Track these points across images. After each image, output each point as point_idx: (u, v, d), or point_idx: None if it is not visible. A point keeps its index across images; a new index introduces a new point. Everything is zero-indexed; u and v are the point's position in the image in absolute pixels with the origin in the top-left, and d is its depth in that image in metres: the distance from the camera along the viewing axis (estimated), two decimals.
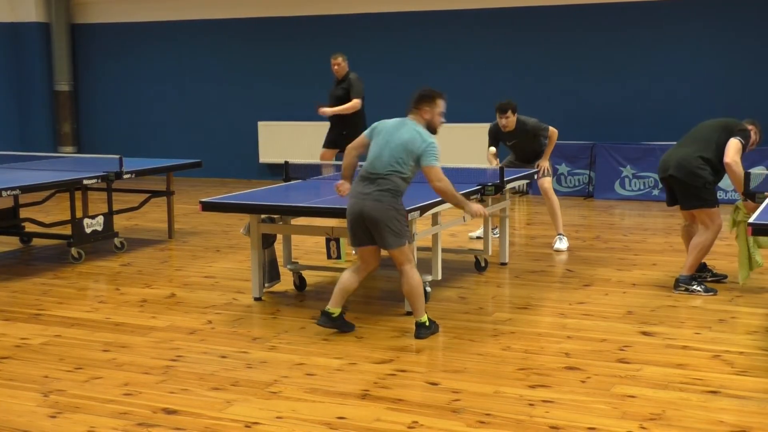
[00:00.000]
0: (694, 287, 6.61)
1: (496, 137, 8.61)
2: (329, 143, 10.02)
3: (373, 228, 5.55)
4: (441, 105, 5.83)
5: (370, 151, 5.72)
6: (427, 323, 5.70)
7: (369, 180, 5.59)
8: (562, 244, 8.42)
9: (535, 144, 8.52)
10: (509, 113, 8.30)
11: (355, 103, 9.75)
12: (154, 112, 15.03)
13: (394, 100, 13.36)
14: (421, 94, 5.84)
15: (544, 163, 8.44)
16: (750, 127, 6.76)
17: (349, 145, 5.98)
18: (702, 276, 6.89)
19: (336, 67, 9.96)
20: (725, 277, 7.01)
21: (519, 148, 8.58)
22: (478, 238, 8.69)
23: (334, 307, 5.72)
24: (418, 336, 5.65)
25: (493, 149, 8.61)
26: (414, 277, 5.64)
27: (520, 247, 8.70)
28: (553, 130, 8.46)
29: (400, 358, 5.30)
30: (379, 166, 5.59)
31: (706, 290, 6.61)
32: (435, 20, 13.09)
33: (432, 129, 5.78)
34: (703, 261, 6.95)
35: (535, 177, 8.32)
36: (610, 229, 9.73)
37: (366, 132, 5.88)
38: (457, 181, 7.15)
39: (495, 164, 8.49)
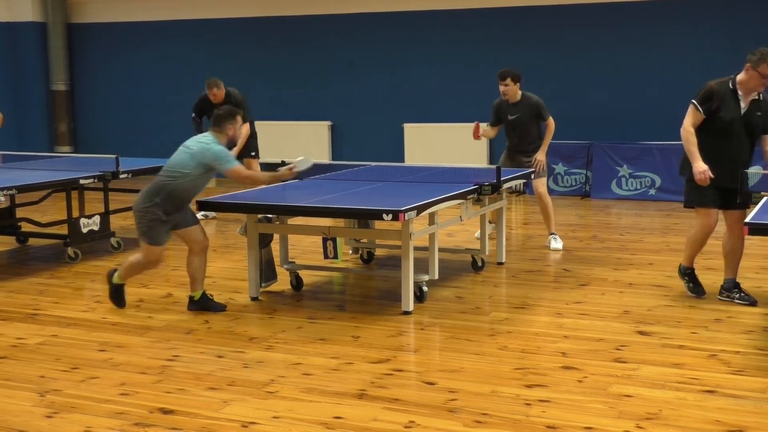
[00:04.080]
0: (686, 280, 6.52)
1: (498, 112, 8.50)
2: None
3: None
4: (240, 121, 6.41)
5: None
6: (116, 283, 6.49)
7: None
8: (558, 243, 8.42)
9: (533, 125, 8.40)
10: (508, 80, 8.24)
11: (246, 127, 9.70)
12: (151, 111, 15.01)
13: (393, 99, 13.48)
14: (223, 114, 6.34)
15: (542, 157, 8.38)
16: (743, 71, 6.13)
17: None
18: (731, 296, 6.38)
19: (212, 97, 9.80)
20: (755, 303, 6.29)
21: (518, 125, 8.39)
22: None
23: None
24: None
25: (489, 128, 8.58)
26: (132, 258, 6.51)
27: (517, 246, 8.70)
28: (552, 120, 8.40)
29: (397, 357, 5.30)
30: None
31: (692, 290, 6.50)
32: (434, 20, 13.09)
33: (233, 144, 6.52)
34: (736, 279, 6.41)
35: (532, 177, 8.28)
36: (607, 229, 9.74)
37: None
38: (453, 181, 7.19)
39: (487, 135, 8.50)
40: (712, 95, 6.14)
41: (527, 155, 8.44)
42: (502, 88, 8.32)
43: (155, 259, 6.39)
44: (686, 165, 6.33)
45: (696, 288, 6.55)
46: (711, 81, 6.24)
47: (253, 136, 10.15)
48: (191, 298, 6.43)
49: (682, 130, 6.23)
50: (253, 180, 6.62)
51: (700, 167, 6.13)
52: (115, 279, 6.51)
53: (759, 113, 6.24)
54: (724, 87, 6.17)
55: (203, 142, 6.23)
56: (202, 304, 6.38)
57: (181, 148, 6.33)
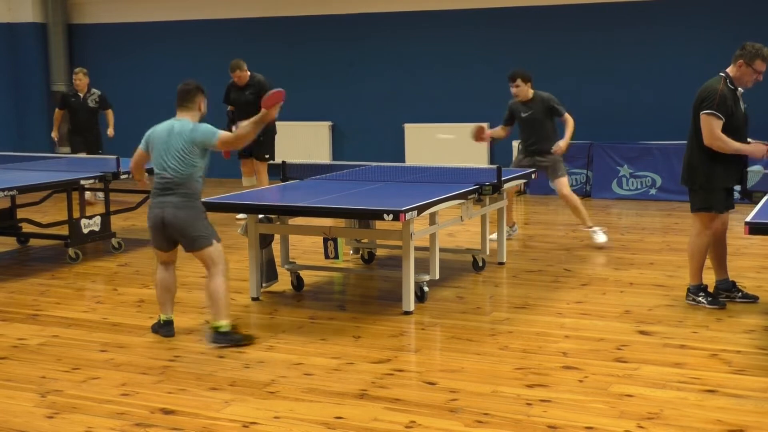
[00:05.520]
0: (700, 299, 6.29)
1: (512, 111, 8.62)
2: (245, 153, 9.92)
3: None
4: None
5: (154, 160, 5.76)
6: (224, 330, 5.48)
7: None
8: (601, 236, 8.43)
9: (547, 121, 8.47)
10: (518, 81, 8.37)
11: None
12: (151, 112, 14.81)
13: (393, 99, 13.47)
14: (190, 88, 6.05)
15: (564, 144, 8.38)
16: (734, 67, 6.04)
17: (135, 163, 6.03)
18: (731, 296, 6.37)
19: (237, 79, 9.75)
20: (757, 298, 6.39)
21: (532, 123, 8.48)
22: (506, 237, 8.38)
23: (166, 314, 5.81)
24: (213, 341, 5.48)
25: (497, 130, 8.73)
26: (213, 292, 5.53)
27: (518, 246, 8.70)
28: (570, 117, 8.45)
29: (398, 357, 5.30)
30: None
31: (712, 303, 6.24)
32: (434, 20, 13.09)
33: (203, 119, 5.94)
34: (731, 279, 6.44)
35: (552, 177, 8.40)
36: (608, 229, 9.70)
37: (142, 145, 5.93)
38: (454, 181, 7.19)
39: (497, 136, 8.60)
40: (725, 98, 5.97)
41: (543, 155, 8.46)
42: (513, 89, 8.44)
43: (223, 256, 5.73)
44: (696, 172, 6.12)
45: (715, 301, 6.26)
46: (714, 84, 6.02)
47: (274, 132, 9.97)
48: (169, 321, 5.81)
49: (712, 141, 5.91)
50: (239, 138, 5.82)
51: (760, 149, 6.01)
52: (222, 325, 5.52)
53: (746, 106, 6.21)
54: (727, 87, 6.03)
55: (186, 128, 5.76)
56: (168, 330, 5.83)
57: (161, 146, 5.72)
